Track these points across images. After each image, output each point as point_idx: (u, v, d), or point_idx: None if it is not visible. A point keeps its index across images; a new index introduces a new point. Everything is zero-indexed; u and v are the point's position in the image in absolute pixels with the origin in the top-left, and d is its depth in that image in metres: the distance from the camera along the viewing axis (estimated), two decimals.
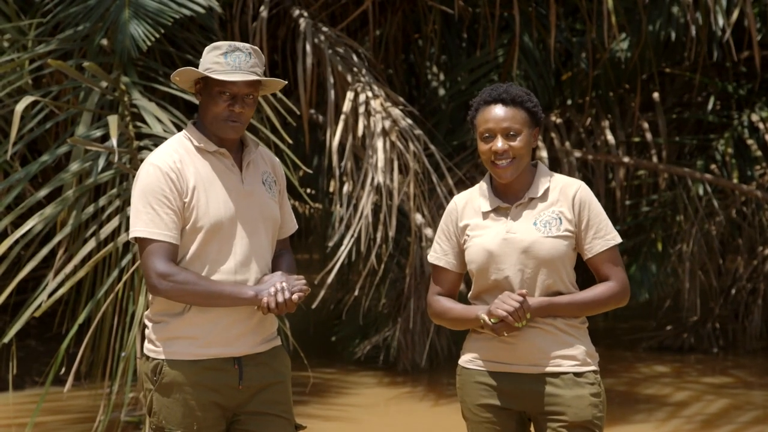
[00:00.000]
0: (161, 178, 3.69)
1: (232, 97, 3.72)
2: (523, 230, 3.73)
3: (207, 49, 3.77)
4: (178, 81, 3.79)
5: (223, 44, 3.73)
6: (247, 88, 3.73)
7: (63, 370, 6.79)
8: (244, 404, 3.76)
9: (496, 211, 3.79)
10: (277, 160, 4.00)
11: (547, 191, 3.78)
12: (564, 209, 3.75)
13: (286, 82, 3.90)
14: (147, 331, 3.81)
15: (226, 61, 3.69)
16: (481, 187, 3.86)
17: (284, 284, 3.66)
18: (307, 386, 8.02)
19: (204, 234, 3.70)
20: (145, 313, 3.85)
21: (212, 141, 3.78)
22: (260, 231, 3.79)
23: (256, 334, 3.78)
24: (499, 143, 3.72)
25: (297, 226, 4.06)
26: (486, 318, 3.64)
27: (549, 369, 3.71)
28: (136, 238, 3.70)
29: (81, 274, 6.42)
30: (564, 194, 3.77)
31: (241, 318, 3.73)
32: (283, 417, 3.80)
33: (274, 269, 3.85)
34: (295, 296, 3.65)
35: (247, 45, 3.74)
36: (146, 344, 3.81)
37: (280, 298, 3.64)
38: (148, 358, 3.78)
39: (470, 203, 3.85)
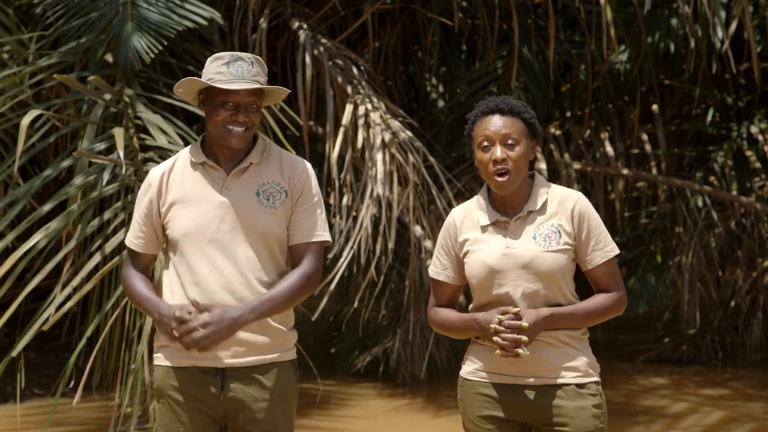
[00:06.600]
0: (144, 188, 3.84)
1: (235, 107, 3.70)
2: (522, 245, 3.72)
3: (209, 59, 3.78)
4: (180, 92, 3.79)
5: (226, 54, 3.74)
6: (250, 97, 3.72)
7: (72, 383, 6.79)
8: (233, 418, 3.75)
9: (495, 224, 3.78)
10: (302, 164, 3.85)
11: (545, 204, 3.78)
12: (563, 222, 3.75)
13: (290, 91, 3.87)
14: None
15: (229, 71, 3.69)
16: (478, 200, 3.85)
17: (193, 325, 3.63)
18: (315, 398, 8.03)
19: (179, 247, 3.75)
20: None
21: (208, 152, 3.80)
22: (244, 244, 3.73)
23: (243, 345, 3.72)
24: (498, 151, 3.70)
25: (319, 237, 3.82)
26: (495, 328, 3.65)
27: (551, 381, 3.72)
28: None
29: (88, 287, 6.43)
30: (563, 206, 3.77)
31: None
32: None
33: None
34: (186, 339, 3.62)
35: (249, 54, 3.74)
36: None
37: (178, 332, 3.64)
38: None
39: (468, 217, 3.84)
